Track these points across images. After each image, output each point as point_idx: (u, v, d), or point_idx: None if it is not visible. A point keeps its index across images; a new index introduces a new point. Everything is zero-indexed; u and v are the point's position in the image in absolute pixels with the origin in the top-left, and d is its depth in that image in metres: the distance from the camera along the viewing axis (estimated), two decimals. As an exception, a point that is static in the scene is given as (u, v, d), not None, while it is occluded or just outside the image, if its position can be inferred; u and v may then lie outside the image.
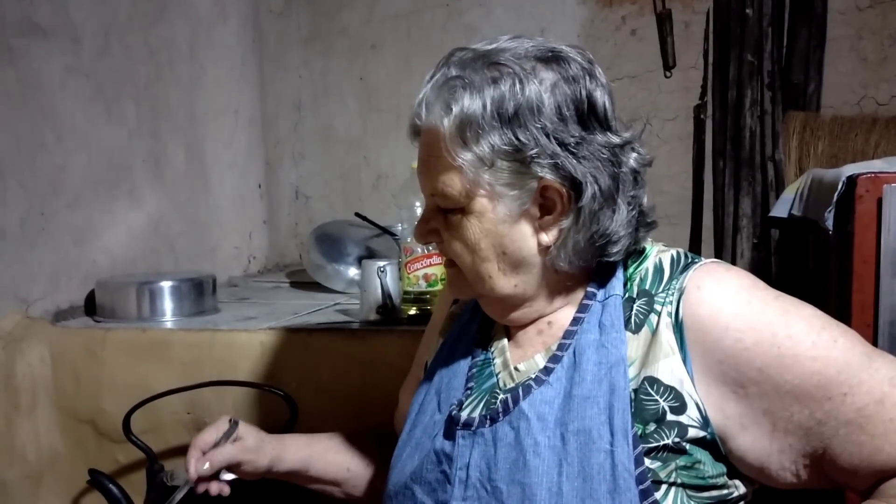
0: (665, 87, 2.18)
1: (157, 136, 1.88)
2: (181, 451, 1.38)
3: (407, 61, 2.35)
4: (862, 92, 2.08)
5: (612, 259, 0.85)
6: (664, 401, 0.78)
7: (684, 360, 0.78)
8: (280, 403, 1.29)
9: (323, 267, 1.87)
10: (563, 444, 0.78)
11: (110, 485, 1.25)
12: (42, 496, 1.41)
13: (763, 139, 1.99)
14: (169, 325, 1.52)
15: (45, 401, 1.42)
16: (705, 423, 0.78)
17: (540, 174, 0.80)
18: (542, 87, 0.79)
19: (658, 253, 0.87)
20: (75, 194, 1.61)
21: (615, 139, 0.82)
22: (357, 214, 2.01)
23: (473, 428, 0.84)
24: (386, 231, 1.97)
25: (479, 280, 0.85)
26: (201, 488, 0.96)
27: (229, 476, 0.98)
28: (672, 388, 0.78)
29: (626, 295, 0.85)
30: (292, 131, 2.45)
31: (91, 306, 1.59)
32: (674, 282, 0.82)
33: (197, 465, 0.94)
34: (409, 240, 1.48)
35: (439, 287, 1.47)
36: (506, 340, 0.90)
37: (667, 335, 0.79)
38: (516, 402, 0.82)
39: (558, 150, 0.79)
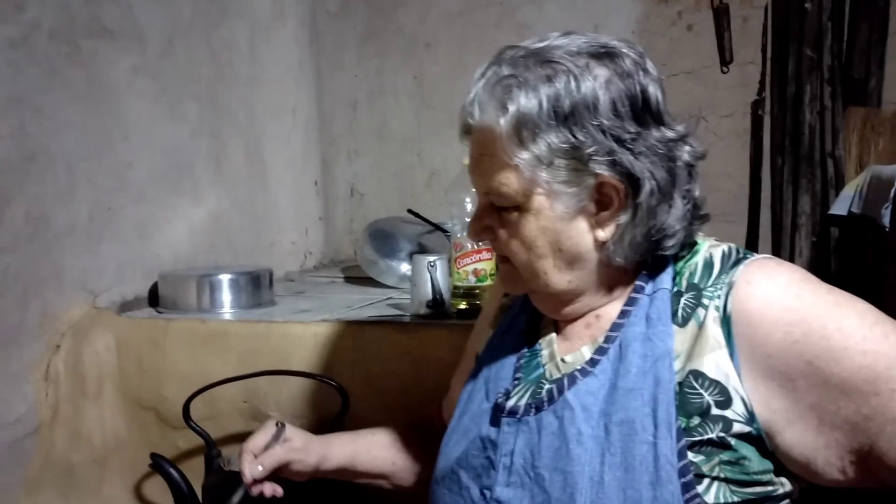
0: (722, 82, 2.15)
1: (217, 135, 1.94)
2: (238, 437, 1.43)
3: (461, 59, 2.36)
4: (927, 87, 2.02)
5: (666, 253, 0.85)
6: (709, 395, 0.78)
7: (731, 355, 0.78)
8: (332, 394, 1.33)
9: (376, 262, 1.91)
10: (606, 435, 0.79)
11: (171, 469, 1.30)
12: (107, 479, 1.47)
13: (823, 135, 1.94)
14: (227, 316, 1.57)
15: (110, 388, 1.49)
16: (751, 418, 0.77)
17: (597, 171, 0.80)
18: (596, 84, 0.79)
19: (709, 248, 0.87)
20: (140, 190, 1.67)
21: (670, 133, 0.83)
22: (409, 211, 2.04)
23: (518, 416, 0.86)
24: (437, 227, 2.00)
25: (533, 276, 0.87)
26: (256, 490, 1.01)
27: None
28: (717, 383, 0.78)
29: (675, 289, 0.85)
30: (347, 130, 2.49)
31: (154, 298, 1.65)
32: (723, 276, 0.82)
33: (251, 468, 0.99)
34: (458, 235, 1.50)
35: (488, 282, 1.49)
36: (554, 333, 0.92)
37: (714, 329, 0.79)
38: (561, 391, 0.84)
39: (615, 146, 0.80)
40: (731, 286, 0.80)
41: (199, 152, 1.87)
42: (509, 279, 0.90)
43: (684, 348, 0.81)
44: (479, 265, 1.48)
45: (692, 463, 0.77)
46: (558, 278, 0.86)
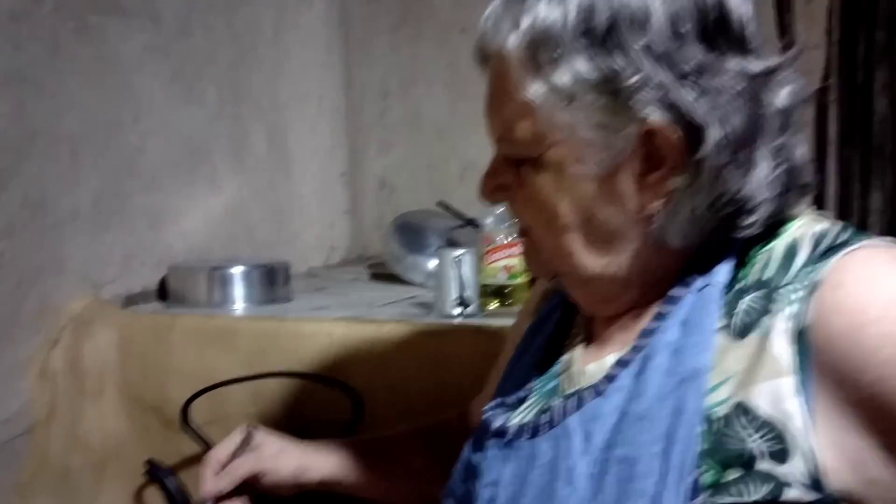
0: (781, 69, 1.99)
1: (238, 121, 1.84)
2: (244, 445, 1.31)
3: (498, 46, 2.23)
4: None
5: (745, 233, 0.63)
6: (757, 440, 0.56)
7: (802, 386, 0.56)
8: (347, 399, 1.20)
9: (402, 258, 1.79)
10: (601, 475, 0.61)
11: (168, 477, 1.18)
12: (105, 485, 1.37)
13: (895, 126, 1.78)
14: (239, 312, 1.46)
15: (111, 387, 1.38)
16: (814, 483, 0.55)
17: (642, 114, 0.59)
18: None
19: (799, 227, 0.64)
20: (152, 176, 1.57)
21: (755, 66, 0.61)
22: (440, 203, 1.91)
23: (507, 439, 0.69)
24: (469, 222, 1.86)
25: (557, 255, 0.67)
26: None
27: None
28: (770, 425, 0.56)
29: (738, 285, 0.63)
30: (378, 120, 2.37)
31: (163, 291, 1.55)
32: (807, 270, 0.59)
33: (215, 483, 0.85)
34: (488, 228, 1.37)
35: (520, 280, 1.35)
36: (582, 334, 0.74)
37: (781, 347, 0.57)
38: (565, 414, 0.66)
39: (670, 79, 0.59)
40: (814, 287, 0.58)
41: (217, 139, 1.77)
42: (531, 257, 0.72)
43: (738, 369, 0.59)
44: (510, 261, 1.34)
45: None
46: (589, 260, 0.66)
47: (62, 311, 1.37)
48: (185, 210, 1.66)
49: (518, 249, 1.33)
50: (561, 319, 0.78)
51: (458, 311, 1.32)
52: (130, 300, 1.49)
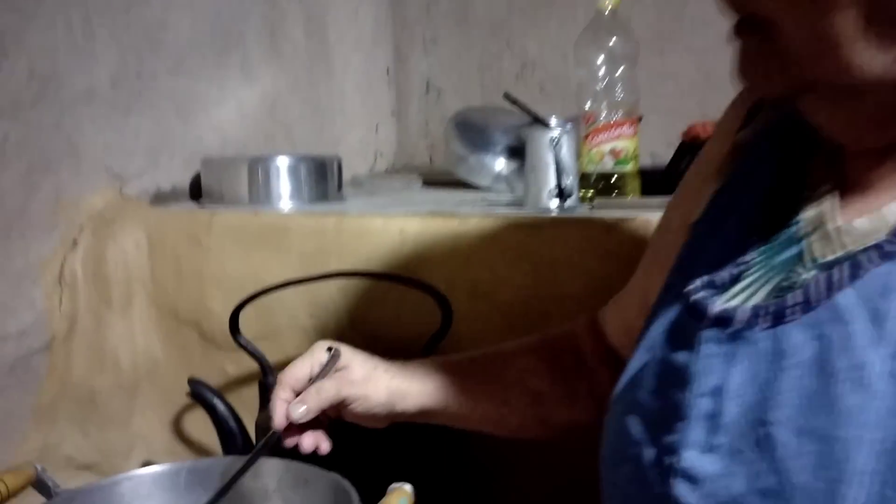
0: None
1: (272, 2, 1.59)
2: (301, 362, 1.11)
3: (561, -77, 1.95)
4: None
5: None
6: None
7: None
8: (427, 307, 0.99)
9: (465, 158, 1.55)
10: None
11: (215, 399, 0.99)
12: (138, 409, 1.18)
13: None
14: (286, 210, 1.24)
15: (141, 296, 1.18)
16: None
17: None
18: None
19: None
20: (177, 57, 1.34)
21: None
22: (506, 96, 1.66)
23: (735, 328, 0.48)
24: (539, 119, 1.63)
25: (818, 52, 0.44)
26: (290, 441, 0.69)
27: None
28: None
29: None
30: (424, 13, 2.11)
31: (196, 190, 1.33)
32: None
33: (291, 409, 0.68)
34: (588, 105, 1.14)
35: (630, 167, 1.13)
36: (831, 183, 0.52)
37: None
38: (830, 289, 0.45)
39: None
40: None
41: (250, 21, 1.53)
42: (760, 64, 0.48)
43: None
44: (618, 143, 1.12)
45: None
46: (867, 56, 0.43)
47: (81, 207, 1.16)
48: (217, 100, 1.43)
49: (627, 130, 1.10)
50: (783, 166, 0.55)
51: (555, 203, 1.09)
52: (159, 198, 1.28)
